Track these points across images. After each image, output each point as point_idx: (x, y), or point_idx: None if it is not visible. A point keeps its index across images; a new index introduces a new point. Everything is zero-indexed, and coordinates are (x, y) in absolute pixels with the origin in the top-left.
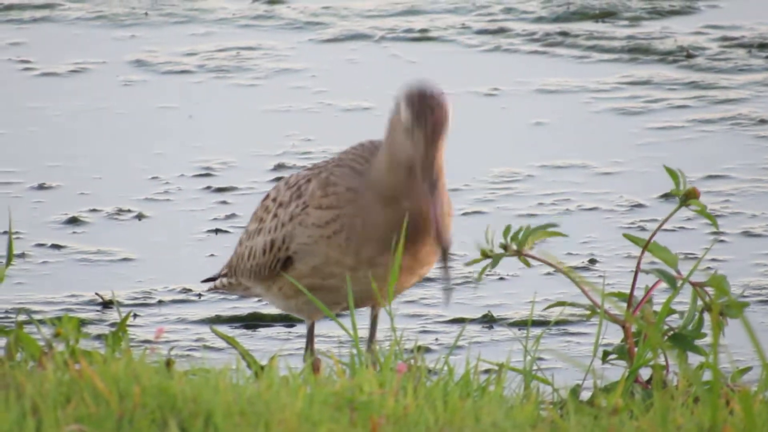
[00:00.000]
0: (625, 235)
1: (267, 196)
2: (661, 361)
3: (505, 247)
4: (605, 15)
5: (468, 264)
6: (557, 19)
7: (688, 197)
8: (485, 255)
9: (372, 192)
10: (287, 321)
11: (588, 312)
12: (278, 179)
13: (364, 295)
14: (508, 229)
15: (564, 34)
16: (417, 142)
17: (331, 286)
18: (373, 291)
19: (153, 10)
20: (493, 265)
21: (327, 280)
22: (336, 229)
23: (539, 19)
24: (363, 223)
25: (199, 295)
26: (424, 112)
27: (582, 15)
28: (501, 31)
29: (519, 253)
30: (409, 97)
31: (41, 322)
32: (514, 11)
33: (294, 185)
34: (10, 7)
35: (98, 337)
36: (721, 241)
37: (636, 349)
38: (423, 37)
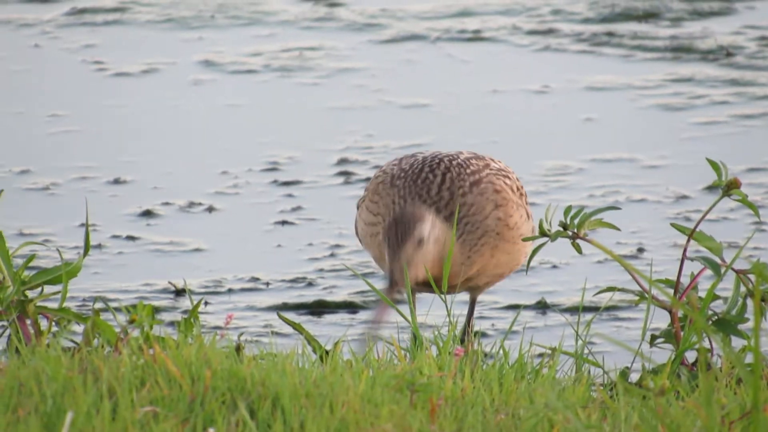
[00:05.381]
0: (672, 225)
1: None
2: (706, 344)
3: (564, 225)
4: (648, 16)
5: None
6: (603, 20)
7: (730, 187)
8: (543, 233)
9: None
10: (351, 308)
11: (636, 298)
12: (342, 173)
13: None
14: (568, 209)
15: (610, 34)
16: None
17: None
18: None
19: (219, 12)
20: (552, 240)
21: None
22: (375, 226)
23: (586, 20)
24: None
25: (267, 283)
26: (394, 233)
27: (626, 16)
28: (550, 31)
29: (576, 236)
30: (389, 220)
31: (117, 309)
32: (562, 12)
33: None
34: (83, 11)
35: (171, 323)
36: (762, 230)
37: (682, 333)
38: (476, 37)
